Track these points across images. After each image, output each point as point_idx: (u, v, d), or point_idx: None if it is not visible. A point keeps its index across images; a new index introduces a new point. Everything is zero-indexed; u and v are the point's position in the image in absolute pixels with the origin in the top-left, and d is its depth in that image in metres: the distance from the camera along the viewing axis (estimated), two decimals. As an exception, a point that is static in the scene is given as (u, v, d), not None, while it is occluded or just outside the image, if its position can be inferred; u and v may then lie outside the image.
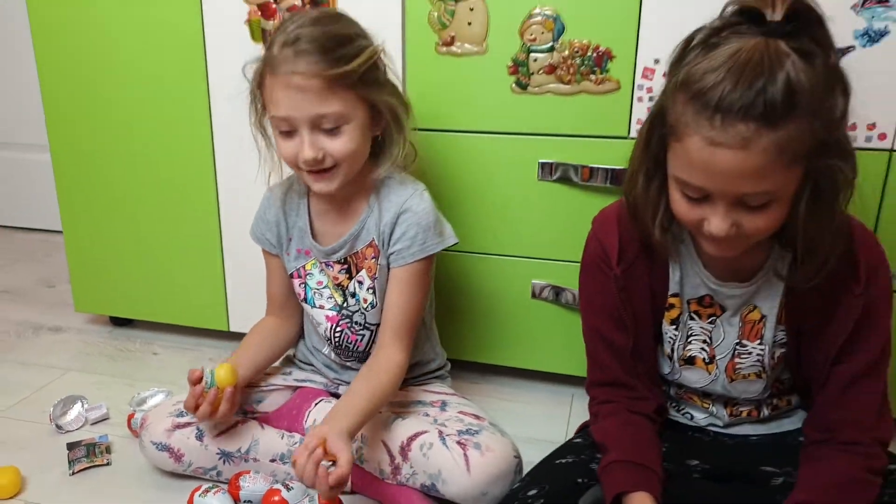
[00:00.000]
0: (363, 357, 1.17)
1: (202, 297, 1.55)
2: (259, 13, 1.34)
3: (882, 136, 1.12)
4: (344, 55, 0.97)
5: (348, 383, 1.19)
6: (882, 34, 1.07)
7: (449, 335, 1.41)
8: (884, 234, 1.15)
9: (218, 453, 1.11)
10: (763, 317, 0.93)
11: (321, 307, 1.17)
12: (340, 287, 1.15)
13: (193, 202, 1.49)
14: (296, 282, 1.18)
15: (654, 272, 0.94)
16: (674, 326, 0.97)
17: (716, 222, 0.78)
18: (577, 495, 0.92)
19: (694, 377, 0.99)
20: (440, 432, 1.04)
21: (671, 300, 0.95)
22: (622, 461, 0.90)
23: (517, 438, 1.08)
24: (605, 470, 0.91)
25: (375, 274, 1.12)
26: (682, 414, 1.06)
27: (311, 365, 1.25)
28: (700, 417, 1.05)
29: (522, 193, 1.30)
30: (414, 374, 1.21)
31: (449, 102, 1.29)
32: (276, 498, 1.04)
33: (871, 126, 1.12)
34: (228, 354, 1.19)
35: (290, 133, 1.01)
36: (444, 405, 1.15)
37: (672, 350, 0.98)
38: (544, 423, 1.32)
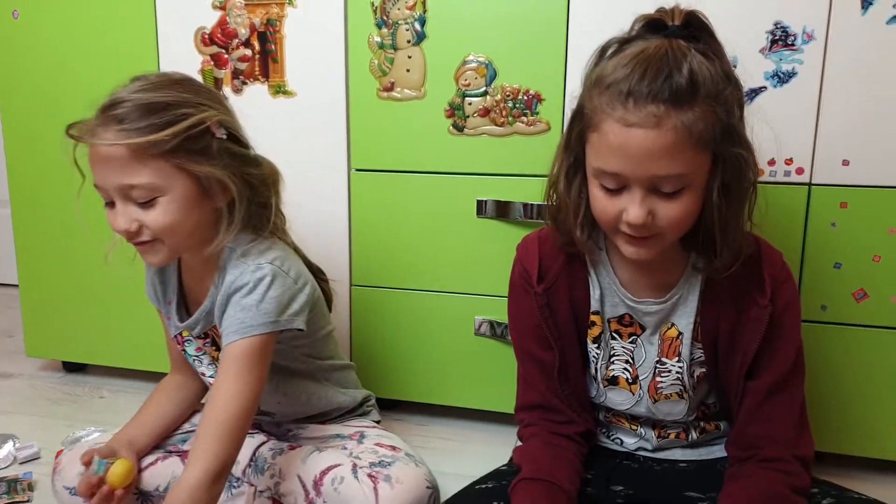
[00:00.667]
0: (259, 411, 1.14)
1: (151, 341, 1.54)
2: (212, 63, 1.40)
3: (800, 171, 1.16)
4: (153, 124, 0.90)
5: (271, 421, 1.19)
6: (790, 75, 1.13)
7: (390, 375, 1.41)
8: (808, 268, 1.17)
9: (135, 493, 1.08)
10: (680, 334, 0.95)
11: (203, 374, 1.14)
12: (213, 360, 1.12)
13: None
14: (178, 347, 1.14)
15: (575, 291, 0.97)
16: (596, 345, 0.98)
17: (633, 210, 0.81)
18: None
19: (618, 398, 0.99)
20: (354, 465, 1.02)
21: (592, 318, 0.97)
22: (530, 478, 0.90)
23: (458, 477, 1.07)
24: (513, 489, 0.91)
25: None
26: (612, 440, 1.06)
27: None
28: (630, 442, 1.04)
29: (462, 230, 1.33)
30: (331, 417, 1.20)
31: (390, 144, 1.33)
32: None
33: (789, 161, 1.16)
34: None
35: (110, 203, 0.94)
36: (361, 437, 1.12)
37: (596, 370, 0.99)
38: (487, 461, 1.29)
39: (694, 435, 1.02)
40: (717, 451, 1.03)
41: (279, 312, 0.98)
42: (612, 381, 0.99)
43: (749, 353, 0.90)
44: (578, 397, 1.00)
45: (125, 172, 0.91)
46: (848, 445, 1.23)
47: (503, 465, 1.04)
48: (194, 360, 1.14)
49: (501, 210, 1.29)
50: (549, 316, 0.97)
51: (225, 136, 0.97)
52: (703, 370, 0.96)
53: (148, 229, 0.94)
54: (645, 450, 1.04)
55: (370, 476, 1.00)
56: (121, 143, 0.89)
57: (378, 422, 1.23)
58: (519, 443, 1.01)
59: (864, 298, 1.17)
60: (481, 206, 1.30)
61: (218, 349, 1.08)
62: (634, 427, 1.03)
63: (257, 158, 1.03)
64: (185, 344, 1.13)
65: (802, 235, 1.17)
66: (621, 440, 1.05)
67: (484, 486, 0.98)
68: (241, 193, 0.98)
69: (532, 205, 1.27)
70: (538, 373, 0.99)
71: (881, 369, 1.19)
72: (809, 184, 1.16)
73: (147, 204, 0.93)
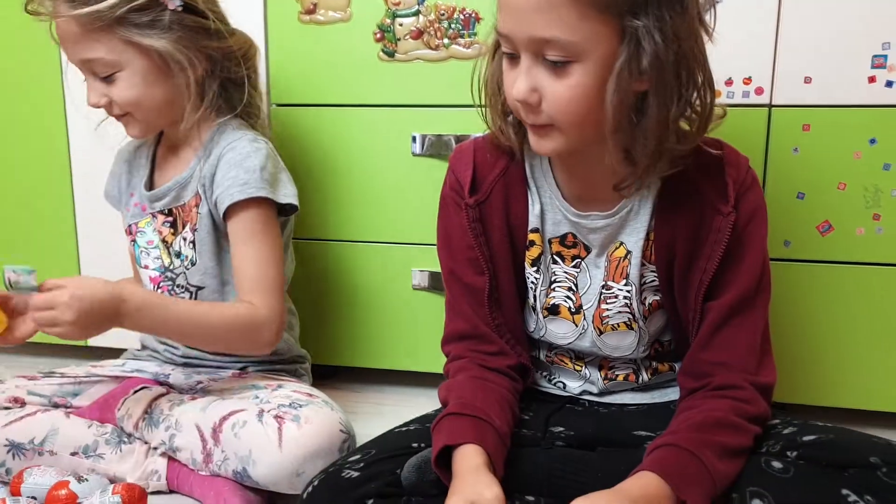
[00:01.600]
0: None
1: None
2: None
3: (759, 91, 1.06)
4: None
5: (185, 362, 1.06)
6: (751, -18, 1.03)
7: (322, 339, 1.27)
8: (770, 199, 1.07)
9: (6, 444, 0.95)
10: (628, 252, 0.84)
11: (146, 267, 1.06)
12: (167, 245, 1.04)
13: (49, 216, 1.38)
14: (128, 239, 1.09)
15: (512, 206, 0.86)
16: (535, 269, 0.87)
17: (517, 83, 0.72)
18: (404, 460, 0.78)
19: (560, 330, 0.89)
20: (260, 410, 0.91)
21: (531, 236, 0.86)
22: (455, 413, 0.77)
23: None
24: (437, 425, 0.78)
25: (196, 224, 1.02)
26: (555, 384, 0.94)
27: (150, 349, 1.12)
28: (573, 386, 0.94)
29: (397, 171, 1.21)
30: (258, 360, 1.07)
31: (314, 75, 1.21)
32: (64, 491, 0.89)
33: (747, 80, 1.06)
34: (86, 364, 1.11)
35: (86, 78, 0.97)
36: (279, 387, 1.00)
37: (535, 298, 0.88)
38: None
39: (645, 376, 0.91)
40: (672, 394, 0.92)
41: (275, 185, 0.99)
42: (553, 311, 0.88)
43: (710, 269, 0.80)
44: (513, 329, 0.89)
45: (80, 47, 0.93)
46: (813, 395, 1.14)
47: (431, 411, 0.91)
48: (142, 252, 1.05)
49: (439, 146, 1.17)
50: (481, 233, 0.86)
51: (180, 8, 0.94)
52: (657, 298, 0.85)
53: (116, 104, 0.96)
54: (590, 394, 0.93)
55: (276, 417, 0.88)
56: (64, 15, 0.90)
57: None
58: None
59: (829, 231, 1.08)
60: (417, 142, 1.18)
61: (176, 234, 1.04)
62: (579, 367, 0.92)
63: (222, 31, 1.00)
64: (138, 235, 1.05)
65: (763, 163, 1.08)
66: (564, 384, 0.94)
67: (405, 428, 0.86)
68: (197, 67, 0.97)
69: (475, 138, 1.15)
70: (468, 299, 0.87)
71: (847, 309, 1.09)
72: (770, 105, 1.06)
73: (109, 79, 0.95)
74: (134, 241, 1.07)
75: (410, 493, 0.78)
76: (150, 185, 1.07)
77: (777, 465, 0.75)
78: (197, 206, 1.02)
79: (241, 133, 1.01)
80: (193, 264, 1.02)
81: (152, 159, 1.09)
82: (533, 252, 0.87)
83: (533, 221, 0.86)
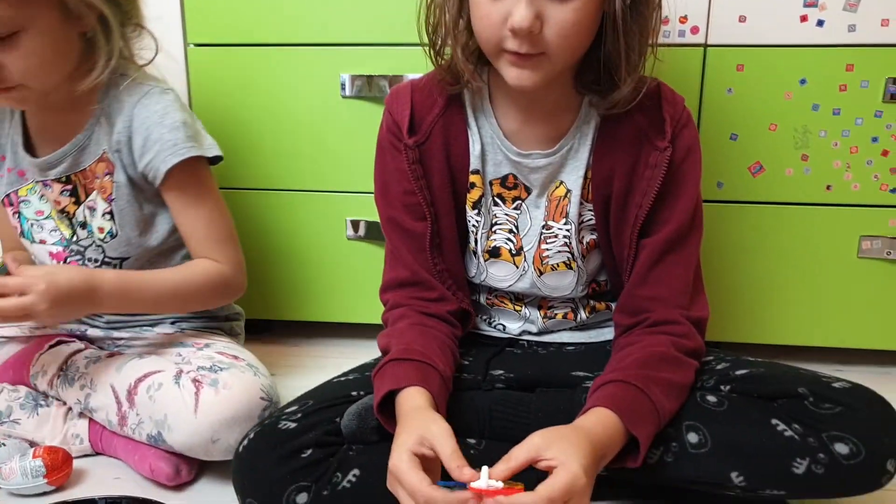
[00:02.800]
0: None
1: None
2: None
3: (695, 30, 1.05)
4: None
5: (110, 326, 1.00)
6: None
7: (256, 293, 1.22)
8: (704, 140, 1.07)
9: None
10: (568, 191, 0.84)
11: (42, 242, 0.96)
12: (67, 216, 0.95)
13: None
14: (9, 211, 0.97)
15: (453, 146, 0.84)
16: (476, 211, 0.85)
17: (519, 10, 0.69)
18: (343, 409, 0.77)
19: (501, 273, 0.88)
20: (179, 371, 0.86)
21: (472, 178, 0.84)
22: (398, 359, 0.76)
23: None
24: (378, 372, 0.76)
25: (112, 194, 0.92)
26: (494, 327, 0.94)
27: None
28: (513, 327, 0.93)
29: (326, 115, 1.15)
30: (188, 317, 1.02)
31: (233, 12, 1.13)
32: (-25, 457, 0.83)
33: (683, 19, 1.05)
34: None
35: None
36: (206, 346, 0.95)
37: (476, 241, 0.86)
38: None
39: (583, 314, 0.91)
40: (608, 333, 0.93)
41: (199, 139, 0.92)
42: (494, 254, 0.87)
43: (645, 204, 0.80)
44: (454, 275, 0.87)
45: None
46: (744, 333, 1.17)
47: (370, 360, 0.89)
48: (32, 225, 0.95)
49: (370, 88, 1.12)
50: (421, 175, 0.83)
51: None
52: (594, 237, 0.85)
53: (10, 73, 0.81)
54: (530, 333, 0.93)
55: (194, 381, 0.84)
56: None
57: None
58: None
59: (761, 172, 1.09)
60: (346, 84, 1.13)
61: (78, 203, 0.94)
62: (518, 308, 0.91)
63: None
64: (22, 206, 0.94)
65: (698, 104, 1.08)
66: (504, 326, 0.93)
67: (344, 378, 0.85)
68: (91, 16, 0.84)
69: (407, 78, 1.11)
70: (407, 246, 0.85)
71: (776, 249, 1.12)
72: (705, 45, 1.06)
73: (7, 42, 0.79)
74: (19, 213, 0.96)
75: (351, 442, 0.77)
76: (28, 148, 0.95)
77: (711, 399, 0.77)
78: (110, 173, 0.92)
79: (146, 87, 0.91)
80: (114, 236, 0.93)
81: (22, 122, 0.95)
82: (474, 194, 0.85)
83: (474, 163, 0.84)
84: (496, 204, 0.86)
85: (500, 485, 0.61)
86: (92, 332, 1.00)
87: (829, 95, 1.04)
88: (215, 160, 0.95)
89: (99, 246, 0.94)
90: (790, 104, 1.06)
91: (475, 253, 0.88)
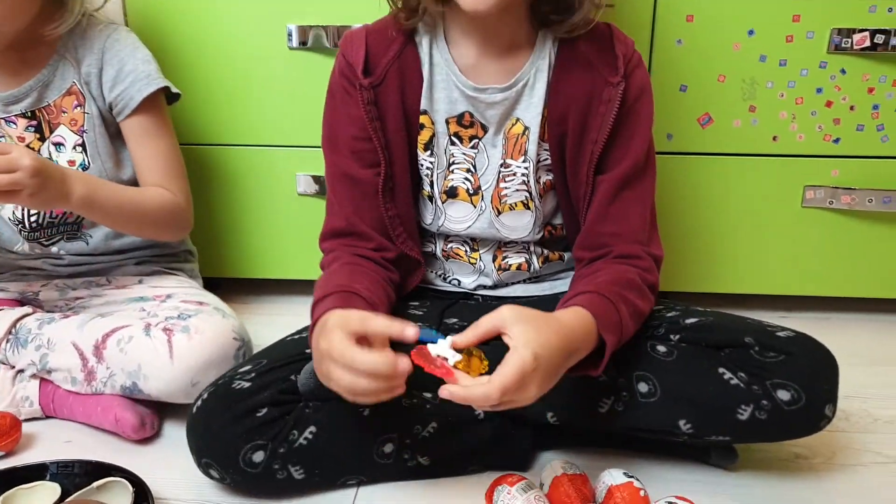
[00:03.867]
0: (75, 231, 0.97)
1: None
2: None
3: (645, -22, 1.04)
4: None
5: (72, 272, 0.99)
6: None
7: (205, 250, 1.20)
8: (654, 92, 1.07)
9: None
10: (526, 129, 0.83)
11: None
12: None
13: None
14: None
15: (408, 89, 0.83)
16: (428, 153, 0.85)
17: None
18: (298, 366, 0.76)
19: (459, 214, 0.87)
20: (147, 324, 0.87)
21: (421, 119, 0.84)
22: (325, 296, 0.74)
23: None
24: (312, 315, 0.75)
25: (83, 126, 0.93)
26: (449, 282, 0.94)
27: (22, 269, 1.02)
28: (468, 281, 0.94)
29: (273, 67, 1.12)
30: (151, 255, 1.03)
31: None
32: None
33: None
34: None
35: None
36: (168, 298, 0.95)
37: (432, 183, 0.86)
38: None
39: (536, 264, 0.92)
40: (561, 286, 0.94)
41: (161, 72, 0.96)
42: (452, 194, 0.87)
43: (600, 140, 0.80)
44: (405, 221, 0.87)
45: None
46: (693, 283, 1.19)
47: (324, 317, 0.89)
48: None
49: (318, 39, 1.09)
50: (375, 117, 0.82)
51: None
52: (550, 178, 0.86)
53: None
54: (484, 287, 0.93)
55: (165, 330, 0.84)
56: None
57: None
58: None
59: (709, 124, 1.10)
60: (293, 35, 1.09)
61: (42, 139, 0.94)
62: (474, 259, 0.91)
63: None
64: None
65: (649, 55, 1.08)
66: (459, 280, 0.94)
67: (297, 336, 0.84)
68: None
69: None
70: (349, 194, 0.84)
71: (724, 199, 1.14)
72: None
73: None
74: None
75: (309, 399, 0.77)
76: None
77: (661, 348, 0.79)
78: (80, 105, 0.93)
79: (112, 24, 0.96)
80: (86, 168, 0.94)
81: None
82: (424, 135, 0.84)
83: (423, 103, 0.83)
84: (453, 143, 0.85)
85: (458, 356, 0.63)
86: (45, 293, 0.99)
87: (775, 46, 1.05)
88: (175, 98, 0.98)
89: None
90: (738, 55, 1.06)
91: (431, 197, 0.87)
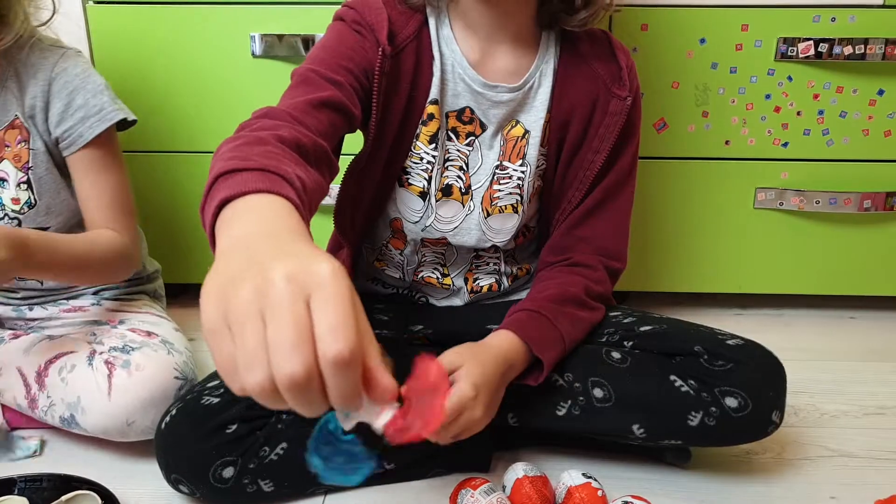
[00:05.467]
0: None
1: None
2: None
3: (601, -10, 1.06)
4: None
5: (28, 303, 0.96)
6: None
7: (171, 256, 1.20)
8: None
9: None
10: (526, 132, 0.83)
11: None
12: None
13: None
14: None
15: (420, 72, 0.79)
16: (433, 146, 0.82)
17: None
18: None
19: (448, 213, 0.85)
20: (92, 352, 0.86)
21: (430, 108, 0.80)
22: (230, 171, 0.50)
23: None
24: (207, 195, 0.52)
25: (28, 162, 0.89)
26: (418, 300, 0.95)
27: None
28: (439, 302, 0.94)
29: (237, 75, 1.12)
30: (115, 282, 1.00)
31: (134, -33, 1.08)
32: None
33: (590, -21, 1.06)
34: None
35: None
36: (120, 324, 0.94)
37: (430, 179, 0.83)
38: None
39: (506, 284, 0.94)
40: (524, 293, 0.96)
41: (117, 101, 0.90)
42: (447, 192, 0.84)
43: (603, 150, 0.82)
44: (356, 208, 0.83)
45: None
46: (651, 283, 1.23)
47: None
48: None
49: (282, 47, 1.10)
50: (383, 91, 0.75)
51: None
52: (540, 182, 0.87)
53: None
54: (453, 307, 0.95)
55: (107, 363, 0.83)
56: None
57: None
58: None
59: (664, 129, 1.14)
60: (256, 43, 1.10)
61: None
62: (446, 284, 0.91)
63: None
64: None
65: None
66: (427, 299, 0.95)
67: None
68: None
69: (320, 37, 1.08)
70: (309, 96, 0.68)
71: (679, 202, 1.17)
72: (611, 4, 1.07)
73: None
74: None
75: (279, 411, 0.77)
76: None
77: (616, 355, 0.82)
78: (24, 141, 0.88)
79: (59, 49, 0.88)
80: (31, 206, 0.90)
81: None
82: (431, 127, 0.80)
83: (433, 92, 0.79)
84: (449, 139, 0.82)
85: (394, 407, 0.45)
86: (2, 310, 0.97)
87: (726, 54, 1.09)
88: (130, 124, 0.93)
89: (14, 218, 0.90)
90: (691, 62, 1.10)
91: (424, 195, 0.84)
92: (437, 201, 0.84)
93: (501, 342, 0.77)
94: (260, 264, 0.38)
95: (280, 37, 1.09)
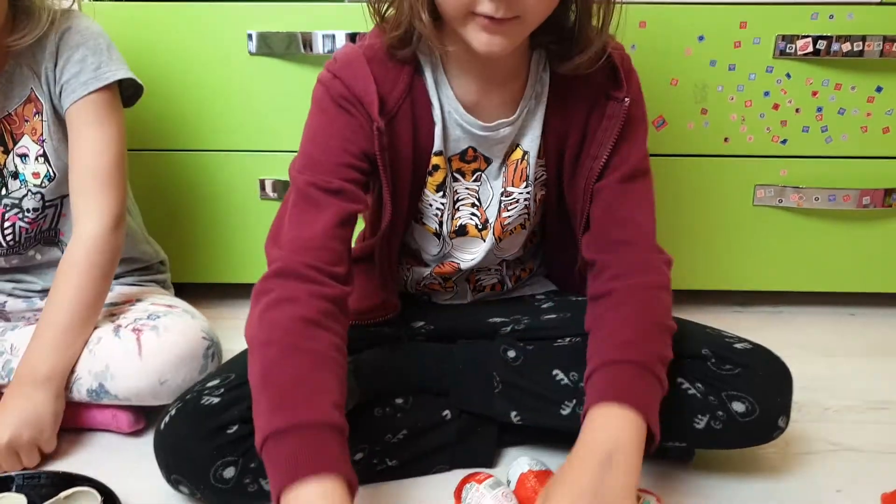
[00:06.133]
0: (52, 237, 0.95)
1: None
2: None
3: (599, -13, 1.06)
4: None
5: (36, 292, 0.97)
6: None
7: (171, 256, 1.19)
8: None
9: None
10: (525, 153, 0.82)
11: None
12: None
13: None
14: None
15: (419, 127, 0.77)
16: (440, 193, 0.81)
17: None
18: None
19: (468, 247, 0.85)
20: (117, 326, 0.86)
21: (435, 160, 0.79)
22: (287, 429, 0.62)
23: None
24: (269, 441, 0.63)
25: (42, 135, 0.89)
26: (421, 297, 0.95)
27: None
28: (442, 300, 0.94)
29: (234, 73, 1.12)
30: (126, 271, 1.01)
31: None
32: None
33: (588, -24, 1.06)
34: None
35: None
36: (138, 302, 0.95)
37: (441, 224, 0.83)
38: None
39: (509, 284, 0.93)
40: (525, 290, 0.96)
41: (122, 62, 0.90)
42: (461, 232, 0.84)
43: (603, 153, 0.79)
44: (391, 271, 0.85)
45: None
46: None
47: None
48: None
49: (279, 44, 1.09)
50: (388, 162, 0.75)
51: None
52: (544, 192, 0.85)
53: None
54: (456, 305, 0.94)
55: (134, 330, 0.84)
56: None
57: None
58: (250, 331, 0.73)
59: (664, 126, 1.13)
60: (253, 40, 1.09)
61: (7, 152, 0.89)
62: (449, 287, 0.91)
63: None
64: None
65: (603, 61, 1.10)
66: (430, 296, 0.94)
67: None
68: None
69: (324, 35, 1.07)
70: (323, 224, 0.71)
71: (680, 198, 1.17)
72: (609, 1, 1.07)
73: None
74: None
75: None
76: None
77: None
78: (39, 113, 0.89)
79: (68, 19, 0.89)
80: (52, 179, 0.91)
81: None
82: (437, 177, 0.80)
83: (437, 143, 0.78)
84: (455, 180, 0.81)
85: None
86: (10, 305, 0.97)
87: (724, 51, 1.09)
88: (136, 96, 0.94)
89: (36, 193, 0.91)
90: (690, 60, 1.10)
91: (438, 234, 0.84)
92: (451, 240, 0.84)
93: (591, 438, 0.67)
94: None
95: (277, 34, 1.08)
